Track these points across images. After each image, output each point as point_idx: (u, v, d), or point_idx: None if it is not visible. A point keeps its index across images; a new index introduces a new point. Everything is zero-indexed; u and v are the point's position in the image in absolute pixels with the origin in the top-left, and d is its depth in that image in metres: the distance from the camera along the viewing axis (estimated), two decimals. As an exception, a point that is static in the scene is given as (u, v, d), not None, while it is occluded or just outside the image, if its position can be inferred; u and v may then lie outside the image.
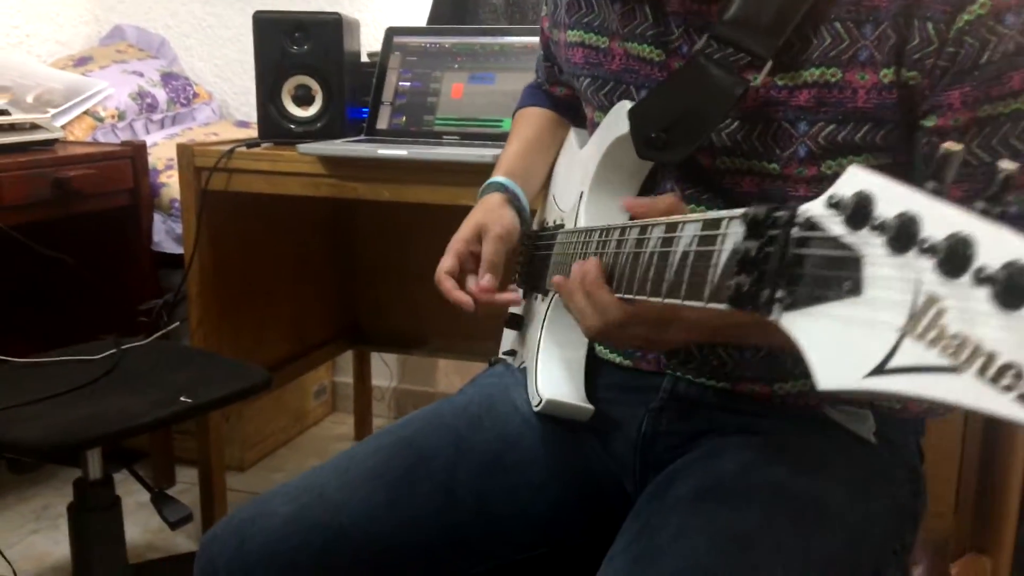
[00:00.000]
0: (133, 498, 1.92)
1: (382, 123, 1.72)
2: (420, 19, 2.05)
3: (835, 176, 0.78)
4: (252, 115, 1.88)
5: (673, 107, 0.80)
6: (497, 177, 1.03)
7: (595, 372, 0.93)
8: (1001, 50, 0.68)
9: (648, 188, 0.90)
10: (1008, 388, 0.34)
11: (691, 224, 0.61)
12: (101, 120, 2.13)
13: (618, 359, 0.92)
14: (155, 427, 1.40)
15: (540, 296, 1.00)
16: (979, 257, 0.36)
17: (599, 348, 0.94)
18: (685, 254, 0.61)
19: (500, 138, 1.56)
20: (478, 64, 1.70)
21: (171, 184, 1.97)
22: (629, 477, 0.90)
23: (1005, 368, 0.34)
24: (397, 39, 1.76)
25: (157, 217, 2.01)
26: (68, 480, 1.50)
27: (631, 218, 0.75)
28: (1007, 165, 0.39)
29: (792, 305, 0.47)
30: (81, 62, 2.32)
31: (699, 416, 0.87)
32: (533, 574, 0.90)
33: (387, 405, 2.58)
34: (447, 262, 0.96)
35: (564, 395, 0.89)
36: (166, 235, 2.00)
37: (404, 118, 1.71)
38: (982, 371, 0.35)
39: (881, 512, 0.82)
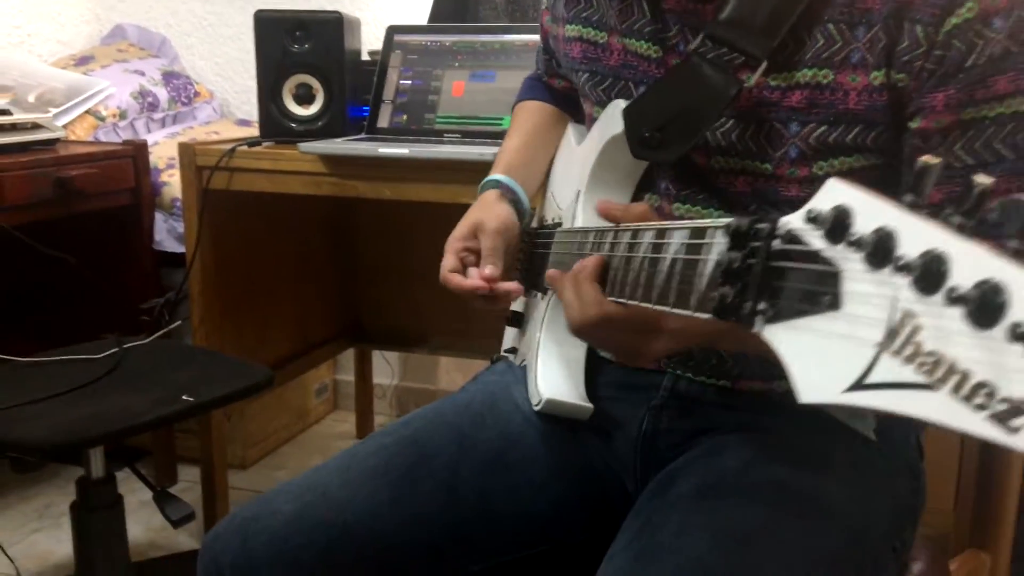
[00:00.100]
0: (135, 496, 1.93)
1: (383, 121, 1.72)
2: (421, 17, 2.06)
3: (826, 177, 0.78)
4: (253, 114, 1.88)
5: (667, 106, 0.80)
6: (494, 175, 1.03)
7: (595, 370, 0.93)
8: (987, 54, 0.68)
9: (644, 187, 0.90)
10: (981, 407, 0.34)
11: (679, 231, 0.62)
12: (102, 119, 2.13)
13: (618, 357, 0.93)
14: (157, 426, 1.41)
15: (540, 294, 1.00)
16: (952, 276, 0.36)
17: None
18: (674, 261, 0.61)
19: (501, 136, 1.55)
20: (479, 62, 1.70)
21: (172, 183, 1.97)
22: (630, 475, 0.91)
23: (979, 387, 0.34)
24: (398, 37, 1.76)
25: (159, 216, 2.01)
26: (71, 479, 1.51)
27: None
28: (983, 179, 0.39)
29: (774, 318, 0.47)
30: (82, 61, 2.32)
31: (700, 414, 0.87)
32: (535, 571, 0.90)
33: (388, 403, 2.58)
34: (449, 261, 0.96)
35: (564, 394, 0.89)
36: (167, 234, 2.01)
37: (405, 116, 1.71)
38: (956, 389, 0.35)
39: (881, 509, 0.82)
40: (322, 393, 2.59)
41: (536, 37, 1.65)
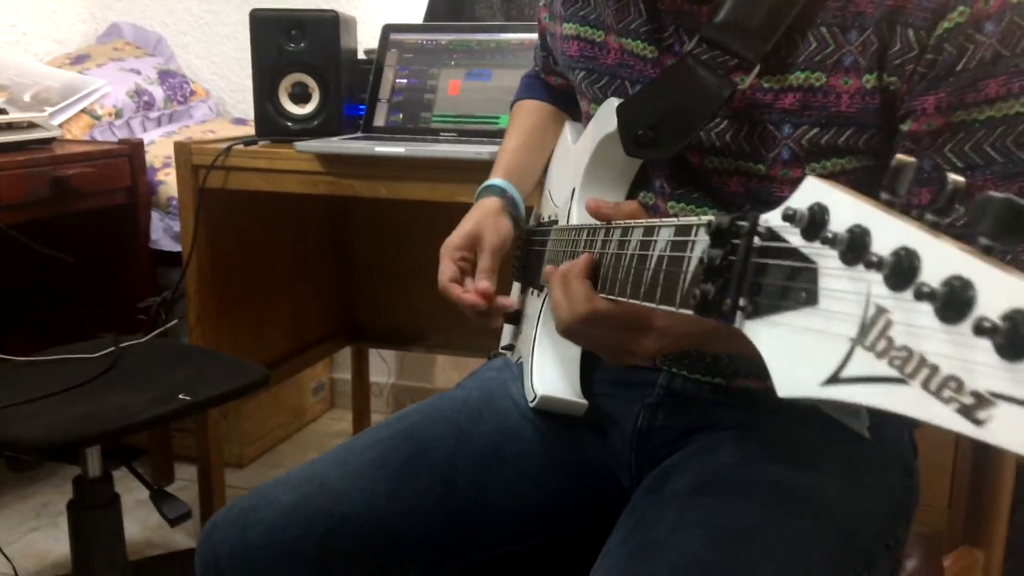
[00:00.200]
0: (132, 495, 1.93)
1: (379, 120, 1.72)
2: (417, 16, 2.06)
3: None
4: (249, 112, 1.88)
5: (661, 105, 0.80)
6: (496, 180, 1.03)
7: (591, 367, 0.93)
8: (978, 58, 0.69)
9: (639, 185, 0.90)
10: (950, 400, 0.35)
11: (666, 228, 0.62)
12: (98, 118, 2.13)
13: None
14: (154, 424, 1.41)
15: (536, 292, 1.01)
16: (922, 272, 0.36)
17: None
18: (660, 258, 0.62)
19: (497, 135, 1.56)
20: (475, 61, 1.71)
21: (169, 182, 1.97)
22: (625, 472, 0.91)
23: (947, 380, 0.35)
24: (394, 36, 1.76)
25: (155, 215, 2.01)
26: (68, 478, 1.51)
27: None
28: (956, 179, 0.39)
29: (754, 313, 0.48)
30: (78, 60, 2.32)
31: (695, 411, 0.88)
32: (531, 565, 0.90)
33: (385, 401, 2.58)
34: (448, 269, 0.96)
35: (559, 391, 0.90)
36: (164, 233, 2.01)
37: (401, 115, 1.71)
38: (927, 383, 0.36)
39: (875, 506, 0.83)
40: (319, 392, 2.60)
41: (532, 35, 1.66)
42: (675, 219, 0.62)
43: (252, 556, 0.82)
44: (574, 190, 0.93)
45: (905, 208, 0.40)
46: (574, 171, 0.95)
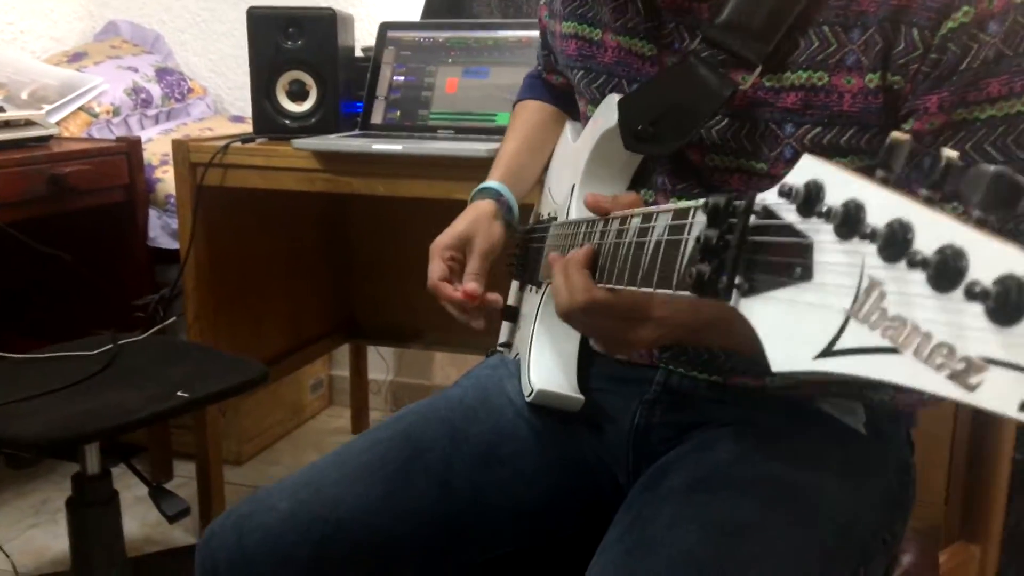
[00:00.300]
0: (131, 492, 1.93)
1: (376, 118, 1.72)
2: (414, 14, 2.06)
3: None
4: (247, 110, 1.88)
5: (662, 102, 0.81)
6: (492, 182, 1.03)
7: (589, 364, 0.94)
8: (981, 57, 0.69)
9: (639, 182, 0.90)
10: (941, 367, 0.35)
11: (664, 214, 0.63)
12: (96, 116, 2.13)
13: (611, 351, 0.93)
14: (152, 422, 1.41)
15: (534, 288, 1.01)
16: (916, 242, 0.37)
17: (593, 340, 0.95)
18: (658, 243, 0.62)
19: (494, 132, 1.57)
20: (472, 58, 1.71)
21: (166, 179, 1.97)
22: (622, 468, 0.91)
23: (939, 347, 0.35)
24: (391, 34, 1.76)
25: (153, 213, 2.01)
26: (66, 475, 1.51)
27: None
28: (949, 153, 0.40)
29: (749, 291, 0.48)
30: (75, 58, 2.32)
31: (692, 408, 0.88)
32: (528, 565, 0.91)
33: (383, 398, 2.59)
34: (438, 268, 0.96)
35: (556, 385, 0.90)
36: (162, 231, 2.01)
37: (398, 113, 1.71)
38: (918, 351, 0.36)
39: (871, 503, 0.83)
40: (317, 389, 2.60)
41: (530, 33, 1.66)
42: (672, 205, 0.62)
43: (250, 563, 0.82)
44: (574, 186, 0.94)
45: (900, 184, 0.40)
46: (573, 168, 0.96)
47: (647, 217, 0.66)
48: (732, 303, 0.49)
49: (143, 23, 2.55)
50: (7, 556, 1.70)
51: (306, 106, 1.71)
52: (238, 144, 1.67)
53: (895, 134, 0.42)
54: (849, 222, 0.40)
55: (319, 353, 2.35)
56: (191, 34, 2.57)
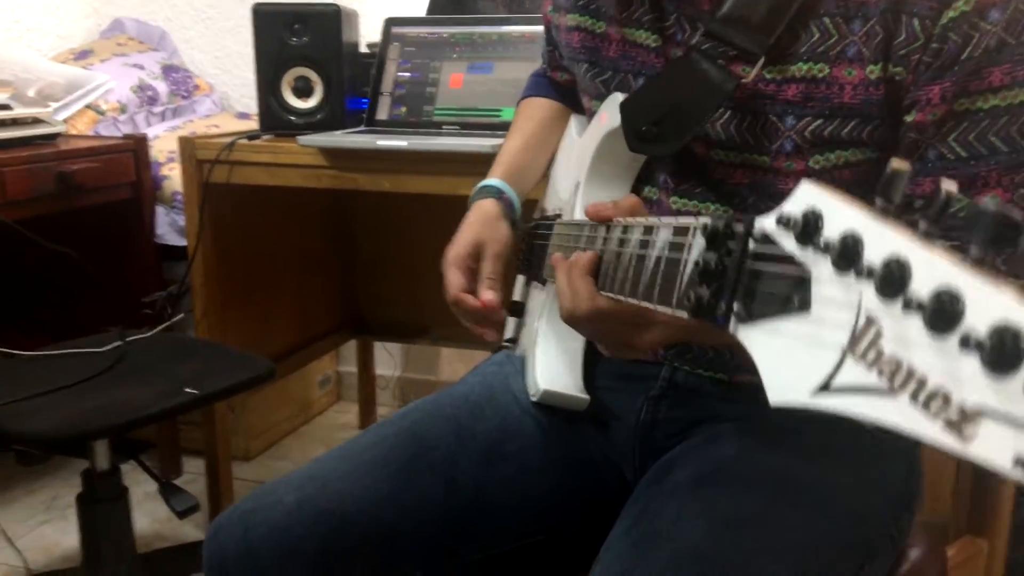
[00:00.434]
0: (141, 488, 1.95)
1: (382, 114, 1.72)
2: (419, 9, 2.06)
3: (823, 170, 0.78)
4: (253, 107, 1.88)
5: (664, 101, 0.80)
6: (494, 180, 1.03)
7: (594, 361, 0.94)
8: (983, 46, 0.68)
9: (643, 180, 0.90)
10: (936, 415, 0.34)
11: (664, 229, 0.62)
12: (102, 113, 2.14)
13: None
14: (161, 418, 1.42)
15: (540, 285, 1.01)
16: (912, 282, 0.36)
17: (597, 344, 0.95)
18: (659, 259, 0.62)
19: (499, 128, 1.57)
20: (477, 54, 1.71)
21: (173, 177, 1.98)
22: (628, 465, 0.92)
23: (934, 394, 0.34)
24: (396, 29, 1.76)
25: (160, 210, 2.02)
26: (76, 471, 1.52)
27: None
28: (948, 185, 0.39)
29: (747, 319, 0.48)
30: (82, 56, 2.32)
31: (697, 404, 0.88)
32: (533, 561, 0.91)
33: (391, 394, 2.59)
34: (458, 280, 0.95)
35: (561, 385, 0.90)
36: (169, 228, 2.02)
37: (404, 109, 1.71)
38: (915, 395, 0.35)
39: (877, 497, 0.83)
40: (325, 385, 2.61)
41: (534, 28, 1.66)
42: (673, 219, 0.62)
43: (256, 556, 0.82)
44: (578, 184, 0.94)
45: (899, 210, 0.40)
46: (578, 165, 0.95)
47: (648, 229, 0.65)
48: (731, 330, 0.49)
49: (149, 20, 2.56)
50: (18, 552, 1.72)
51: (312, 102, 1.71)
52: (244, 141, 1.67)
53: (895, 162, 0.41)
54: (847, 256, 0.40)
55: (326, 349, 2.36)
56: (197, 31, 2.57)
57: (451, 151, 1.51)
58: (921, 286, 0.36)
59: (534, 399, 0.91)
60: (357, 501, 0.84)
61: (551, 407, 0.92)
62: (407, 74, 1.73)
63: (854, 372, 0.39)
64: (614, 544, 0.78)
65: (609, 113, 0.87)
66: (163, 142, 2.08)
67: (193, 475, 2.12)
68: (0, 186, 1.63)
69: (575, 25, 0.92)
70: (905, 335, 0.36)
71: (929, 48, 0.70)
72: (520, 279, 1.11)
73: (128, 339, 1.58)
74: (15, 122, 1.76)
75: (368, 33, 1.92)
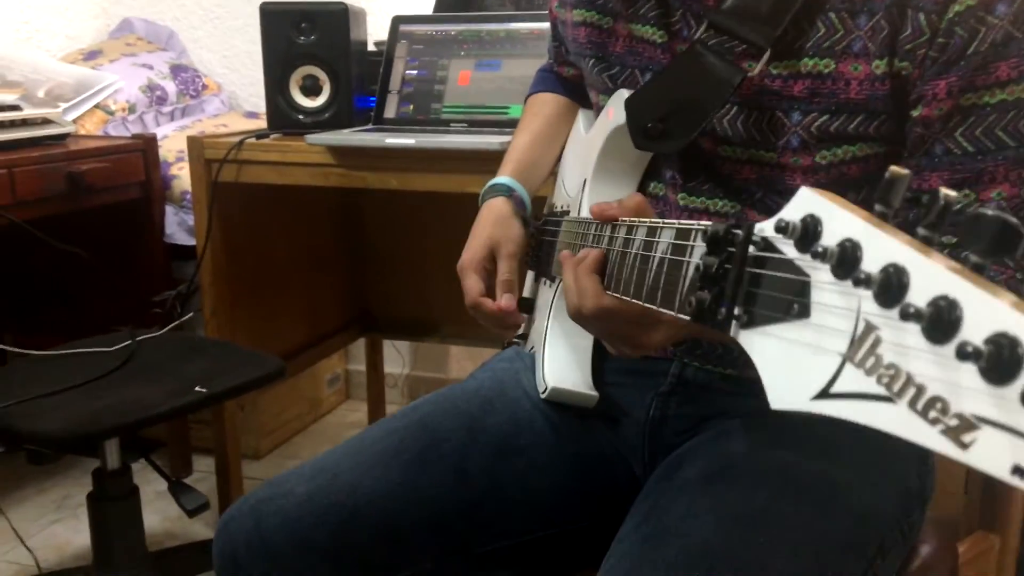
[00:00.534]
0: (151, 487, 1.95)
1: (390, 112, 1.72)
2: (426, 7, 2.05)
3: (829, 166, 0.78)
4: (261, 106, 1.89)
5: (670, 97, 0.80)
6: (504, 178, 1.03)
7: (603, 358, 0.93)
8: (990, 40, 0.68)
9: (650, 176, 0.90)
10: (935, 421, 0.34)
11: (667, 230, 0.63)
12: (112, 113, 2.14)
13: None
14: (171, 417, 1.43)
15: (548, 282, 1.01)
16: (911, 290, 0.36)
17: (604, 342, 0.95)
18: (662, 261, 0.62)
19: (508, 125, 1.56)
20: (484, 51, 1.70)
21: (182, 176, 1.98)
22: (638, 461, 0.91)
23: (933, 401, 0.35)
24: (403, 27, 1.76)
25: (169, 209, 2.02)
26: (87, 470, 1.53)
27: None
28: (947, 193, 0.39)
29: (748, 323, 0.48)
30: (91, 56, 2.33)
31: (707, 400, 0.88)
32: (542, 555, 0.91)
33: (400, 392, 2.59)
34: (476, 284, 0.96)
35: (570, 383, 0.90)
36: (178, 227, 2.02)
37: (411, 106, 1.71)
38: (913, 402, 0.35)
39: (888, 493, 0.83)
40: (334, 383, 2.61)
41: (541, 25, 1.66)
42: (675, 222, 0.62)
43: (268, 545, 0.83)
44: (585, 181, 0.93)
45: (900, 216, 0.40)
46: (585, 162, 0.95)
47: (652, 231, 0.66)
48: (732, 334, 0.49)
49: (157, 20, 2.56)
50: (30, 551, 1.72)
51: (319, 101, 1.71)
52: (252, 140, 1.67)
53: (894, 168, 0.41)
54: (845, 263, 0.40)
55: (335, 347, 2.36)
56: (205, 31, 2.58)
57: (459, 149, 1.50)
58: (919, 294, 0.36)
59: (543, 396, 0.91)
60: (368, 492, 0.84)
61: (561, 403, 0.92)
62: (415, 72, 1.73)
63: (853, 378, 0.39)
64: (623, 540, 0.78)
65: (615, 109, 0.87)
66: (172, 142, 2.09)
67: (203, 474, 2.13)
68: (10, 186, 1.64)
69: (581, 20, 0.92)
70: (903, 343, 0.36)
71: (935, 43, 0.70)
72: (530, 275, 1.11)
73: (138, 338, 1.58)
74: (25, 123, 1.76)
75: (376, 31, 1.92)
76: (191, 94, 2.35)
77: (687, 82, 0.79)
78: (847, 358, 0.39)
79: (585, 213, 0.91)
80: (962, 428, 0.33)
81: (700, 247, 0.55)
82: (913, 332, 0.35)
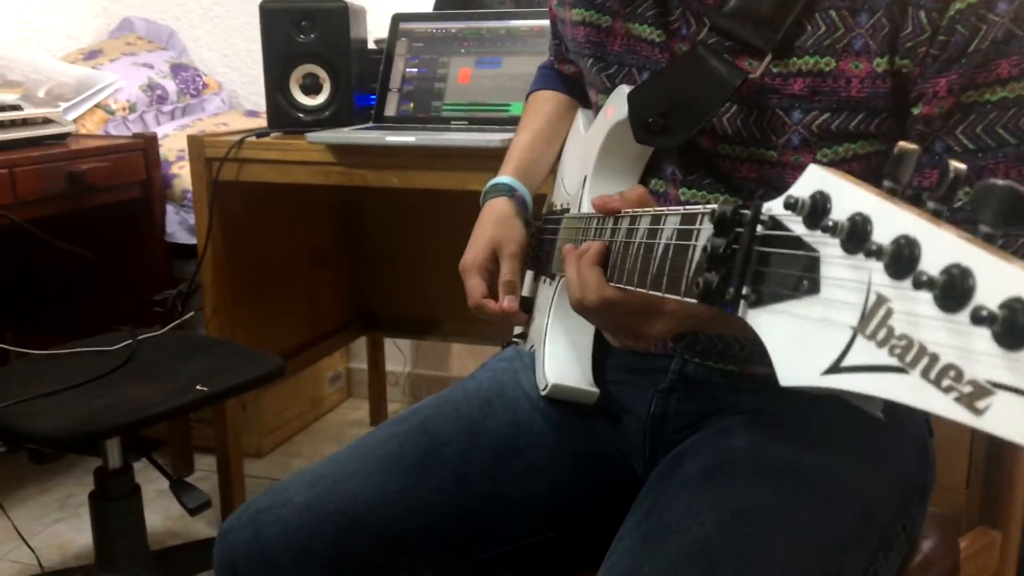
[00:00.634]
0: (153, 486, 1.96)
1: (390, 110, 1.72)
2: (426, 4, 2.05)
3: (831, 164, 0.78)
4: (262, 104, 1.89)
5: (671, 93, 0.80)
6: (505, 177, 1.03)
7: (604, 355, 0.93)
8: (990, 37, 0.68)
9: (651, 172, 0.90)
10: (949, 389, 0.34)
11: (672, 217, 0.63)
12: (112, 113, 2.15)
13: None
14: (172, 416, 1.42)
15: (548, 280, 1.01)
16: (922, 261, 0.36)
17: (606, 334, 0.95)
18: (667, 247, 0.62)
19: (508, 122, 1.56)
20: (484, 48, 1.70)
21: (183, 175, 1.98)
22: (639, 458, 0.91)
23: (947, 369, 0.35)
24: (403, 25, 1.76)
25: (170, 208, 2.02)
26: (89, 469, 1.53)
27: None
28: (957, 165, 0.39)
29: (757, 302, 0.48)
30: (91, 55, 2.33)
31: (707, 396, 0.88)
32: (544, 556, 0.91)
33: (401, 390, 2.59)
34: (479, 285, 0.96)
35: (571, 379, 0.90)
36: (179, 226, 2.02)
37: (412, 104, 1.71)
38: (926, 372, 0.35)
39: (889, 488, 0.83)
40: (335, 381, 2.61)
41: (542, 22, 1.66)
42: (681, 208, 0.62)
43: (267, 555, 0.82)
44: (585, 178, 0.93)
45: (908, 195, 0.40)
46: (585, 159, 0.95)
47: (656, 219, 0.66)
48: (740, 314, 0.49)
49: (157, 19, 2.56)
50: (32, 551, 1.72)
51: (320, 99, 1.71)
52: (253, 138, 1.67)
53: (902, 144, 0.41)
54: (855, 237, 0.40)
55: (337, 346, 2.36)
56: (205, 30, 2.58)
57: (460, 146, 1.50)
58: (931, 264, 0.36)
59: (544, 393, 0.91)
60: (367, 500, 0.84)
61: (561, 402, 0.91)
62: (415, 70, 1.73)
63: (864, 352, 0.39)
64: (625, 538, 0.78)
65: (615, 106, 0.87)
66: (173, 141, 2.09)
67: (205, 472, 2.13)
68: (11, 186, 1.64)
69: (580, 20, 0.92)
70: (916, 313, 0.36)
71: (936, 40, 0.69)
72: (529, 274, 1.11)
73: (139, 337, 1.59)
74: (25, 122, 1.76)
75: (376, 29, 1.92)
76: (191, 93, 2.35)
77: (688, 82, 0.79)
78: (858, 331, 0.39)
79: (586, 210, 0.91)
80: (976, 395, 0.34)
81: (707, 230, 0.55)
82: (926, 301, 0.36)
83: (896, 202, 0.39)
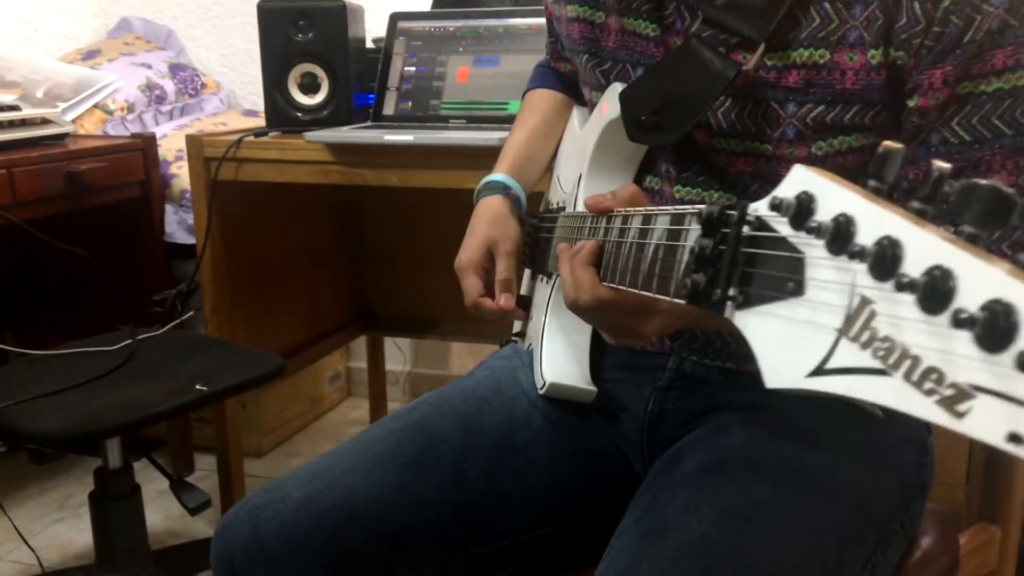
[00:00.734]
0: (153, 486, 1.96)
1: (388, 109, 1.72)
2: (424, 3, 2.05)
3: (826, 156, 0.78)
4: (260, 104, 1.89)
5: (664, 90, 0.80)
6: (499, 175, 1.03)
7: (601, 353, 0.93)
8: (985, 28, 0.68)
9: (645, 170, 0.90)
10: (930, 392, 0.34)
11: (662, 217, 0.63)
12: (111, 113, 2.14)
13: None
14: (172, 415, 1.43)
15: (545, 279, 1.01)
16: (905, 262, 0.36)
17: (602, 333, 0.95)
18: (657, 247, 0.62)
19: (506, 120, 1.56)
20: (483, 47, 1.70)
21: (182, 175, 1.98)
22: (637, 456, 0.91)
23: (928, 372, 0.35)
24: (401, 24, 1.76)
25: (169, 208, 2.02)
26: (89, 469, 1.53)
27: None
28: (941, 165, 0.39)
29: (744, 304, 0.48)
30: (89, 55, 2.33)
31: (705, 394, 0.88)
32: (542, 553, 0.91)
33: (401, 389, 2.60)
34: (477, 285, 0.96)
35: (568, 378, 0.90)
36: (178, 226, 2.02)
37: (410, 103, 1.71)
38: (908, 374, 0.35)
39: (887, 484, 0.83)
40: (335, 380, 2.61)
41: (540, 20, 1.65)
42: (670, 208, 0.62)
43: (265, 550, 0.83)
44: (581, 176, 0.93)
45: (901, 191, 0.40)
46: (580, 158, 0.95)
47: (647, 218, 0.66)
48: (727, 315, 0.49)
49: (155, 19, 2.56)
50: (32, 551, 1.73)
51: (318, 99, 1.71)
52: (251, 138, 1.67)
53: (887, 143, 0.41)
54: (839, 238, 0.40)
55: (336, 345, 2.36)
56: (203, 29, 2.58)
57: (458, 145, 1.50)
58: (913, 265, 0.36)
59: (541, 392, 0.91)
60: (365, 496, 0.84)
61: (559, 400, 0.92)
62: (413, 68, 1.73)
63: (849, 353, 0.39)
64: (623, 535, 0.78)
65: (609, 104, 0.87)
66: (171, 140, 2.09)
67: (205, 472, 2.13)
68: (10, 187, 1.64)
69: (575, 16, 0.92)
70: (899, 315, 0.36)
71: (931, 32, 0.69)
72: (526, 273, 1.11)
73: (138, 337, 1.59)
74: (24, 123, 1.76)
75: (374, 28, 1.92)
76: (190, 93, 2.35)
77: (681, 76, 0.79)
78: (842, 333, 0.39)
79: (581, 208, 0.91)
80: (957, 398, 0.33)
81: (695, 230, 0.55)
82: (908, 303, 0.35)
83: (880, 202, 0.39)
